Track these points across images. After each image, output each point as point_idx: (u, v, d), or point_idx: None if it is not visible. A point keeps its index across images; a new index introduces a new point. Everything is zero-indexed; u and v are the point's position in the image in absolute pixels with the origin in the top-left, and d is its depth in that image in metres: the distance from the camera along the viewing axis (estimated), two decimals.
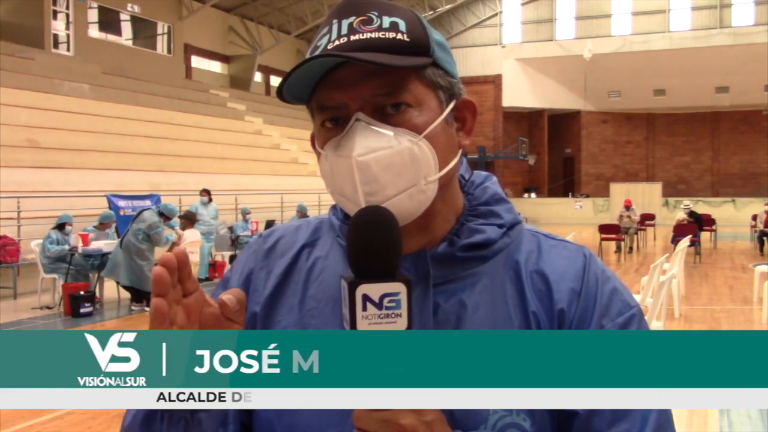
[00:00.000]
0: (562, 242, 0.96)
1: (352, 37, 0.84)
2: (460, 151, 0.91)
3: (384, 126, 0.84)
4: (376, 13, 0.86)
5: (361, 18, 0.86)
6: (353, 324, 0.75)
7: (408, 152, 0.84)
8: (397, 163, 0.83)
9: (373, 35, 0.84)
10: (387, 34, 0.85)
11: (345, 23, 0.86)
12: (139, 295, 9.48)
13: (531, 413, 0.85)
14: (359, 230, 0.78)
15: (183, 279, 0.77)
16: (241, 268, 1.02)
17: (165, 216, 9.55)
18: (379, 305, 0.75)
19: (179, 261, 0.76)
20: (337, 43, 0.85)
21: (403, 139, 0.84)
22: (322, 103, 0.87)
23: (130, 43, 22.88)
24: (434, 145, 0.86)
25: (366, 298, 0.75)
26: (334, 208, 1.00)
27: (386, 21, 0.86)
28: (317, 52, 0.85)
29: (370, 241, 0.77)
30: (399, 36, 0.85)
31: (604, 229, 16.02)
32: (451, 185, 0.92)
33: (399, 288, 0.75)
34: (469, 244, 0.91)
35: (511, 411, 0.85)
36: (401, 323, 0.75)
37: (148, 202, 12.19)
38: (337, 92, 0.85)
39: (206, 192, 12.68)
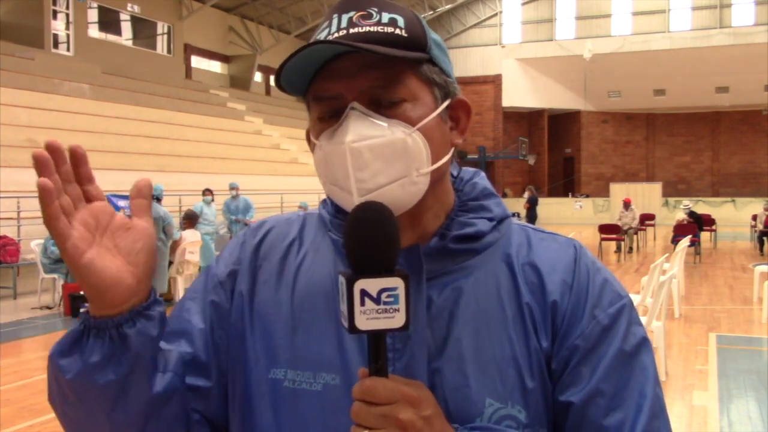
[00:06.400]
0: (551, 235, 0.97)
1: (351, 30, 0.85)
2: (452, 149, 0.92)
3: (378, 117, 0.84)
4: (375, 9, 0.87)
5: (360, 13, 0.87)
6: (351, 319, 0.75)
7: (401, 143, 0.84)
8: (389, 152, 0.83)
9: (371, 29, 0.85)
10: (385, 28, 0.86)
11: (345, 17, 0.87)
12: None
13: (526, 405, 0.86)
14: (358, 226, 0.77)
15: (78, 165, 0.81)
16: (227, 258, 1.01)
17: (157, 198, 9.63)
18: (377, 300, 0.75)
19: (57, 148, 0.78)
20: (336, 35, 0.86)
21: (397, 130, 0.84)
22: (318, 94, 0.87)
23: (130, 43, 22.89)
24: (428, 139, 0.86)
25: (364, 293, 0.75)
26: (324, 202, 1.00)
27: (385, 17, 0.87)
28: None
29: (370, 236, 0.76)
30: (397, 31, 0.86)
31: (604, 229, 16.03)
32: (442, 182, 0.92)
33: (397, 283, 0.75)
34: (460, 235, 0.91)
35: (506, 403, 0.85)
36: (399, 318, 0.75)
37: None
38: (333, 83, 0.86)
39: (209, 192, 12.71)
